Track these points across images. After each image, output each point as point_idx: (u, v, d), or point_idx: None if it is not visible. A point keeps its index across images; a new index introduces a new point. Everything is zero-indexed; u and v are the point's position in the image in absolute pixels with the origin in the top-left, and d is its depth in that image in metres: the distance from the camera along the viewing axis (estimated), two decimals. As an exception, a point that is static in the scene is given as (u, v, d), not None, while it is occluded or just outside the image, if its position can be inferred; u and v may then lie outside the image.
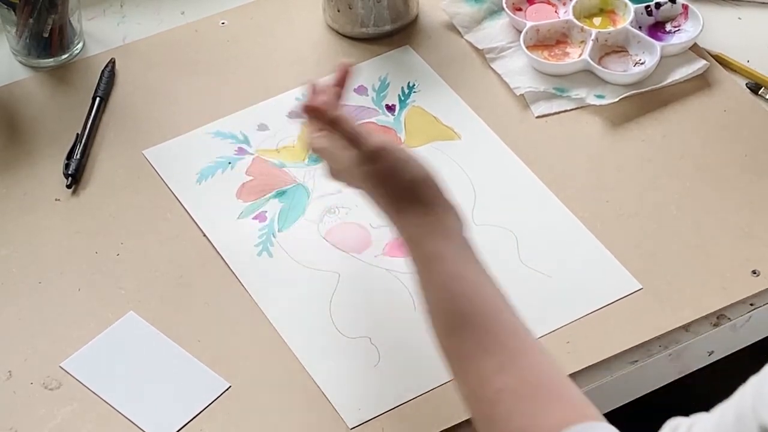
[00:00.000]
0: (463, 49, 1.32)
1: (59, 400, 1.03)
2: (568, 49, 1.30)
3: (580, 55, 1.28)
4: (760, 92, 1.27)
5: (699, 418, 0.80)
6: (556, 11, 1.34)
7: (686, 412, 0.86)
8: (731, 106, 1.25)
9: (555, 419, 0.82)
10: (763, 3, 1.37)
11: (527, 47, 1.28)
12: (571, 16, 1.31)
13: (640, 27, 1.31)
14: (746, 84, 1.28)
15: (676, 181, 1.19)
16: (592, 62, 1.27)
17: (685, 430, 0.79)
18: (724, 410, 0.77)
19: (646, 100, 1.26)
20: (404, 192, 0.94)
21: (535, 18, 1.32)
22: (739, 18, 1.36)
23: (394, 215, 0.95)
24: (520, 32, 1.30)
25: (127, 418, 1.01)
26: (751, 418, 0.73)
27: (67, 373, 1.04)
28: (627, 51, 1.30)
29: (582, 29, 1.30)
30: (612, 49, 1.30)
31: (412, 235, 0.93)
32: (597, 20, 1.33)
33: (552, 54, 1.30)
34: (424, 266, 0.92)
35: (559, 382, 0.86)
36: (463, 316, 0.88)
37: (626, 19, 1.31)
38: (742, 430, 0.74)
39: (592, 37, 1.28)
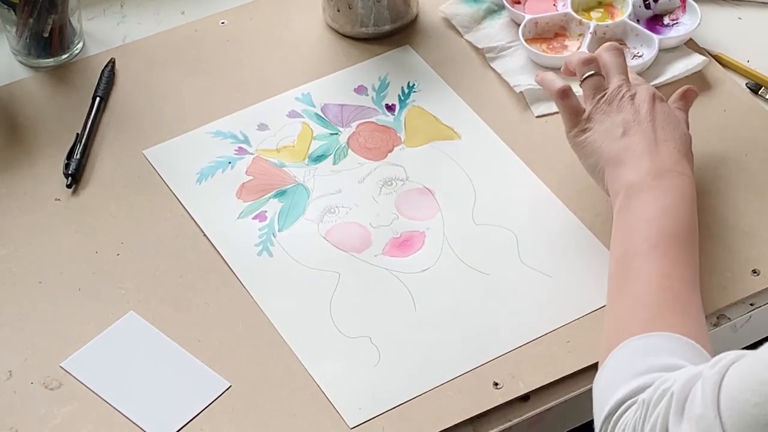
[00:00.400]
0: (463, 49, 1.32)
1: (59, 400, 1.03)
2: (567, 42, 1.31)
3: (579, 47, 1.28)
4: (760, 92, 1.27)
5: (747, 353, 0.83)
6: (554, 4, 1.34)
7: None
8: (731, 106, 1.25)
9: (669, 323, 0.94)
10: (763, 3, 1.37)
11: (526, 40, 1.28)
12: (569, 9, 1.31)
13: (638, 20, 1.31)
14: (746, 84, 1.28)
15: (676, 180, 1.19)
16: (590, 56, 1.27)
17: (734, 357, 0.83)
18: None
19: (646, 100, 1.26)
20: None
21: (534, 11, 1.32)
22: (739, 18, 1.36)
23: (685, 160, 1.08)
24: (519, 25, 1.30)
25: (127, 418, 1.02)
26: None
27: (67, 373, 1.04)
28: (625, 44, 1.30)
29: (580, 22, 1.30)
30: (610, 41, 1.30)
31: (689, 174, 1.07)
32: (595, 13, 1.33)
33: (551, 47, 1.30)
34: (675, 200, 1.04)
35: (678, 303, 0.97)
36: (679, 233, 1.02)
37: (624, 12, 1.31)
38: None
39: (591, 29, 1.29)
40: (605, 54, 1.14)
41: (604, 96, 1.11)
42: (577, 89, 1.14)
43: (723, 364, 0.83)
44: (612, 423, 0.89)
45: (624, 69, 1.13)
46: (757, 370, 0.79)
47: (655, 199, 1.03)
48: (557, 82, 1.13)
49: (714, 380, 0.81)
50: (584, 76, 1.13)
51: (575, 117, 1.12)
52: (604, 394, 0.91)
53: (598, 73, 1.13)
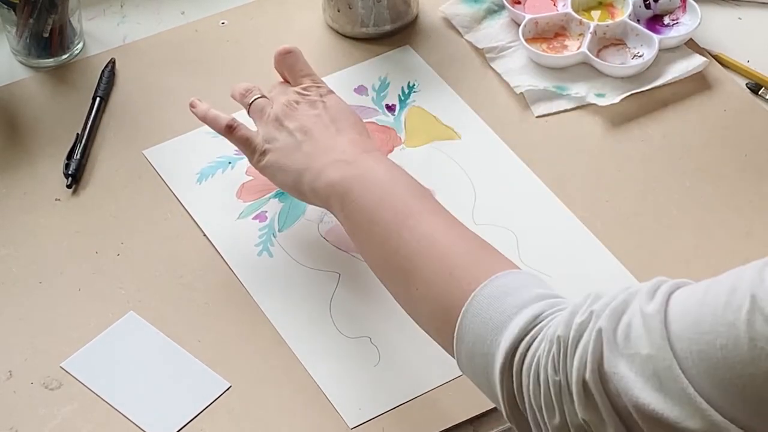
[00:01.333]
0: (463, 49, 1.32)
1: (59, 400, 1.03)
2: (567, 42, 1.31)
3: (579, 47, 1.29)
4: (760, 92, 1.27)
5: (686, 281, 0.79)
6: (554, 4, 1.34)
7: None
8: (731, 106, 1.26)
9: (488, 266, 0.89)
10: (763, 3, 1.37)
11: (526, 40, 1.28)
12: (569, 9, 1.31)
13: (638, 20, 1.31)
14: (746, 84, 1.28)
15: (676, 181, 1.19)
16: (590, 55, 1.27)
17: (669, 287, 0.79)
18: (716, 279, 0.77)
19: (646, 100, 1.26)
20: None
21: (534, 11, 1.32)
22: (739, 18, 1.36)
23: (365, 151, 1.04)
24: (519, 25, 1.30)
25: (127, 418, 1.02)
26: (744, 290, 0.73)
27: (67, 373, 1.04)
28: (625, 44, 1.30)
29: (580, 22, 1.30)
30: (610, 41, 1.30)
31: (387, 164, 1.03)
32: (595, 13, 1.33)
33: (551, 47, 1.30)
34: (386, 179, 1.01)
35: (489, 245, 0.94)
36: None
37: (624, 12, 1.31)
38: (733, 300, 0.73)
39: (591, 29, 1.29)
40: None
41: (269, 115, 1.09)
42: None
43: (660, 298, 0.78)
44: (515, 367, 0.82)
45: (288, 83, 1.12)
46: (715, 310, 0.74)
47: (371, 182, 1.00)
48: (221, 118, 1.10)
49: (659, 318, 0.76)
50: (249, 105, 1.11)
51: (251, 145, 1.08)
52: (482, 351, 0.85)
53: (262, 96, 1.11)
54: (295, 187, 1.06)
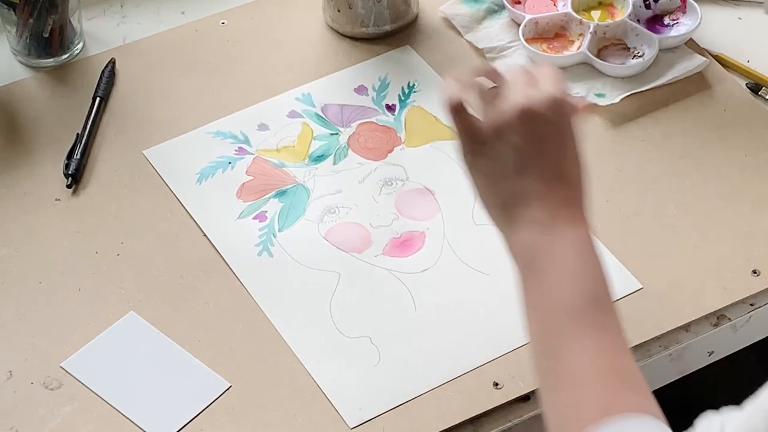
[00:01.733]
0: (463, 49, 1.32)
1: (59, 400, 1.03)
2: (567, 42, 1.31)
3: (579, 47, 1.29)
4: (760, 92, 1.27)
5: (730, 416, 0.80)
6: (554, 4, 1.34)
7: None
8: (731, 106, 1.25)
9: (625, 403, 0.84)
10: (764, 3, 1.37)
11: (526, 40, 1.28)
12: (569, 9, 1.31)
13: (638, 20, 1.31)
14: (746, 84, 1.28)
15: (676, 181, 1.19)
16: (590, 55, 1.27)
17: (719, 424, 0.79)
18: (754, 408, 0.78)
19: (646, 100, 1.26)
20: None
21: (534, 11, 1.32)
22: (739, 18, 1.36)
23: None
24: (519, 25, 1.30)
25: (127, 418, 1.02)
26: None
27: (68, 373, 1.04)
28: (625, 44, 1.30)
29: (580, 22, 1.30)
30: (610, 41, 1.30)
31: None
32: (595, 13, 1.33)
33: (551, 47, 1.30)
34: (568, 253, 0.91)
35: (632, 381, 0.87)
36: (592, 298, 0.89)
37: (624, 12, 1.31)
38: None
39: (591, 29, 1.29)
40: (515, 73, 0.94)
41: (498, 107, 0.91)
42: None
43: None
44: None
45: (537, 83, 0.92)
46: (765, 414, 0.77)
47: (557, 265, 0.90)
48: (453, 93, 0.92)
49: None
50: (489, 88, 0.94)
51: (470, 135, 0.92)
52: None
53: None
54: (487, 212, 0.95)
